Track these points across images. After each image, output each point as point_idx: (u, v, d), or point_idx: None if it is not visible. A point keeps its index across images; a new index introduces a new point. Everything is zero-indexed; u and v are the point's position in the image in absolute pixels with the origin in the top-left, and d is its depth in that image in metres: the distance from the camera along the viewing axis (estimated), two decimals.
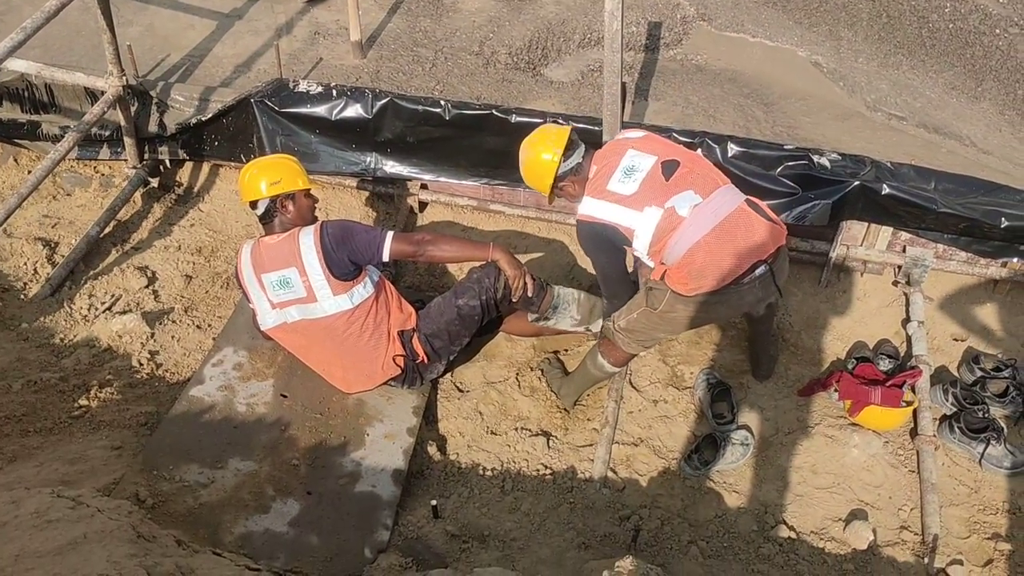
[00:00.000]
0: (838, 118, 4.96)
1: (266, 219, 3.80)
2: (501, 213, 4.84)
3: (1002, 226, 4.17)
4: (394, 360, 3.85)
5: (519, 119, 4.49)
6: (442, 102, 4.56)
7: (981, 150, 4.98)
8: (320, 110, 4.63)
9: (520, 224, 4.88)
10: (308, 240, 3.63)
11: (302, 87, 4.65)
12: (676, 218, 3.41)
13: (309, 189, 3.85)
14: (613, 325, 3.72)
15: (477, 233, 4.89)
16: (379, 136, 4.67)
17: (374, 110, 4.59)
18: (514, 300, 3.93)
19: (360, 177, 4.87)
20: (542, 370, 4.19)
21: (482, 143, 4.62)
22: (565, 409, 4.09)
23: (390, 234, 3.74)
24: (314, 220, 3.84)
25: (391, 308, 3.88)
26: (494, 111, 4.52)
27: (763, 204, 3.58)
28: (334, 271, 3.63)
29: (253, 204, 3.79)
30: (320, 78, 4.89)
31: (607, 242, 3.61)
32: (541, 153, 3.65)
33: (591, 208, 3.56)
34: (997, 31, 5.85)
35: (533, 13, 5.60)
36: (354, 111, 4.61)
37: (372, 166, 4.77)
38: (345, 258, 3.65)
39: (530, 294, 3.91)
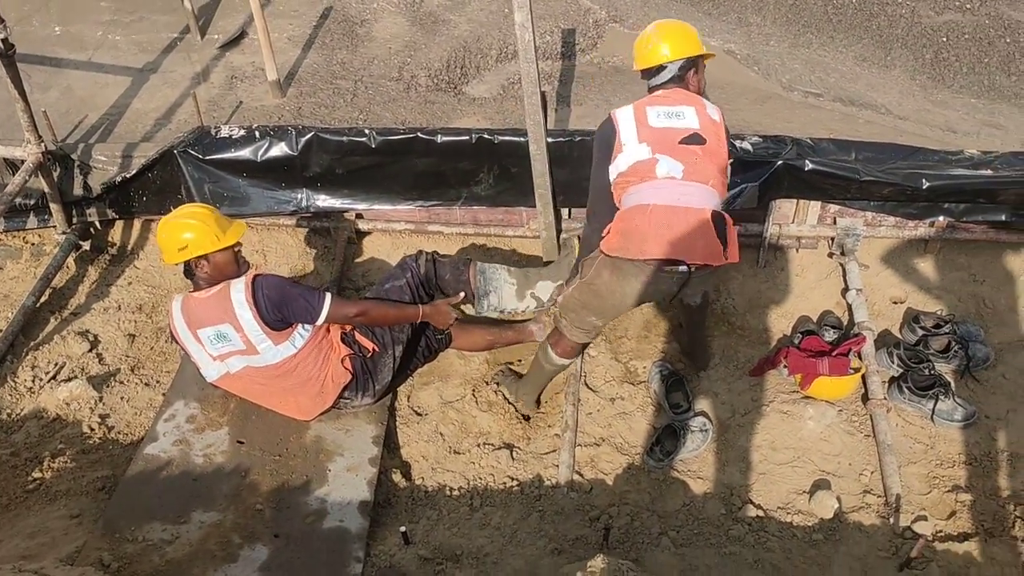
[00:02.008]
0: (756, 101, 5.07)
1: (188, 276, 3.70)
2: (440, 233, 4.86)
3: (924, 187, 4.29)
4: (342, 364, 3.84)
5: (445, 139, 4.51)
6: (367, 131, 4.56)
7: (897, 116, 5.12)
8: (245, 153, 4.61)
9: (460, 241, 4.90)
10: (240, 297, 3.55)
11: (224, 132, 4.63)
12: (650, 172, 3.48)
13: (222, 247, 3.62)
14: (556, 307, 3.82)
15: None
16: (308, 171, 4.67)
17: (299, 147, 4.58)
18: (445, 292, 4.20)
19: (294, 215, 4.85)
20: (497, 382, 4.21)
21: (412, 166, 4.63)
22: (525, 416, 4.11)
23: (328, 299, 3.69)
24: (239, 269, 3.70)
25: (331, 325, 3.87)
26: (419, 133, 4.53)
27: (732, 230, 3.55)
28: (272, 326, 3.60)
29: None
30: (242, 121, 4.89)
31: (606, 142, 3.65)
32: (646, 47, 3.72)
33: (620, 109, 3.65)
34: (899, 0, 6.02)
35: (447, 34, 5.65)
36: (279, 150, 4.59)
37: (304, 202, 4.76)
38: (282, 319, 3.63)
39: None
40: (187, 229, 3.57)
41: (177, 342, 3.81)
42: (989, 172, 4.30)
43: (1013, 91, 5.47)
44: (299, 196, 4.75)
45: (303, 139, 4.57)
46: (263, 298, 3.57)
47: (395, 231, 4.90)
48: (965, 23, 5.84)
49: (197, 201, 4.67)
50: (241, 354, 3.66)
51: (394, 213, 4.85)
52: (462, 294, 4.18)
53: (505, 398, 4.18)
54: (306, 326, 3.72)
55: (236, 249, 3.70)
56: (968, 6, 5.97)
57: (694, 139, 3.53)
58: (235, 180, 4.69)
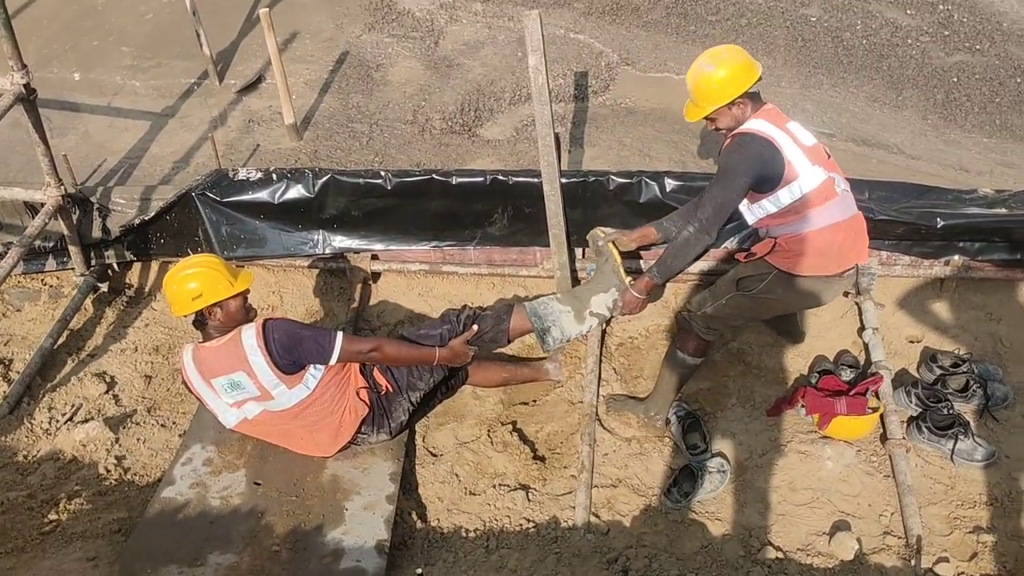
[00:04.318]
0: None
1: (199, 326, 3.72)
2: (454, 274, 4.88)
3: (938, 226, 4.30)
4: (358, 395, 3.84)
5: (460, 180, 4.56)
6: (382, 173, 4.61)
7: (910, 156, 5.13)
8: (262, 195, 4.66)
9: (474, 281, 4.92)
10: (251, 343, 3.56)
11: (242, 175, 4.68)
12: (831, 191, 3.58)
13: (235, 293, 3.66)
14: (695, 313, 3.89)
15: (433, 296, 4.91)
16: (324, 213, 4.71)
17: (316, 189, 4.62)
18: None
19: (310, 256, 4.87)
20: (615, 410, 4.24)
21: (427, 208, 4.68)
22: (540, 456, 4.09)
23: (339, 338, 3.67)
24: (248, 316, 3.73)
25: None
26: (434, 175, 4.58)
27: None
28: (284, 370, 3.60)
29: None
30: (259, 164, 4.94)
31: (759, 166, 3.49)
32: (742, 68, 3.51)
33: (771, 131, 3.51)
34: (909, 41, 6.06)
35: (461, 77, 5.71)
36: (296, 192, 4.64)
37: (320, 243, 4.80)
38: (293, 361, 3.63)
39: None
40: (198, 278, 3.59)
41: (191, 391, 3.82)
42: (1003, 211, 4.32)
43: None
44: (316, 237, 4.79)
45: (320, 181, 4.62)
46: (273, 342, 3.57)
47: (410, 272, 4.92)
48: (975, 64, 5.87)
49: (215, 243, 4.71)
50: (256, 400, 3.66)
51: (409, 254, 4.87)
52: (475, 327, 4.06)
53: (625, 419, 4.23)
54: (318, 366, 3.73)
55: (246, 295, 3.73)
56: (978, 47, 6.00)
57: (826, 151, 3.68)
58: (252, 222, 4.74)
